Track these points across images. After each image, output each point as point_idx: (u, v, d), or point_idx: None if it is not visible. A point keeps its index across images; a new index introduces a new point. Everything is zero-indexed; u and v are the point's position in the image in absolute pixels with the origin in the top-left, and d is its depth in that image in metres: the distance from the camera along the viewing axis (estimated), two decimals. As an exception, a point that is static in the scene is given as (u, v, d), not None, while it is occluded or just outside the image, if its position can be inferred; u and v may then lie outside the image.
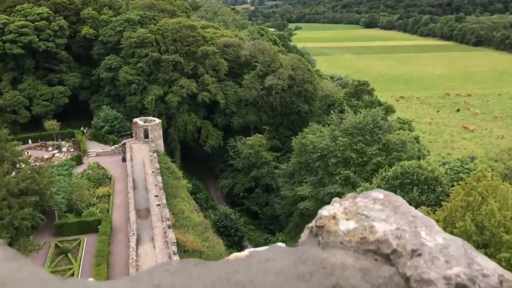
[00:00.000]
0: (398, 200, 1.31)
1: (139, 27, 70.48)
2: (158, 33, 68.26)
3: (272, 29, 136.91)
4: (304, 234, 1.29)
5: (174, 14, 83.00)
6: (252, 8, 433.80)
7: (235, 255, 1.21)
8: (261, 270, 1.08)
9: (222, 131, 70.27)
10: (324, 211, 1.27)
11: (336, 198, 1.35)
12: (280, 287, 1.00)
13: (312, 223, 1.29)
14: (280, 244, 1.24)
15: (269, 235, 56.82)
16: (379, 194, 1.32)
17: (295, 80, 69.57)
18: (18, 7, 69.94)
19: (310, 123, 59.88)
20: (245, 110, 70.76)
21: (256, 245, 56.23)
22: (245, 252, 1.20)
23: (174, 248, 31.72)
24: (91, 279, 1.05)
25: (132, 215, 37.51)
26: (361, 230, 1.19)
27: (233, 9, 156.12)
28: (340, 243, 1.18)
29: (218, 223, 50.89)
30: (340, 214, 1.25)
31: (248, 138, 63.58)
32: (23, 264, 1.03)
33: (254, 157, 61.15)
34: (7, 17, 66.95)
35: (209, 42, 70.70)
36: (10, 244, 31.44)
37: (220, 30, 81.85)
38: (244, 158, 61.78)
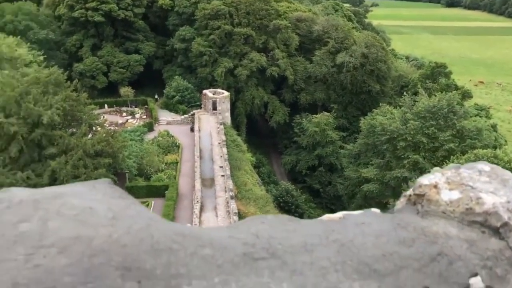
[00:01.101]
0: (506, 173, 1.22)
1: (214, -1, 70.95)
2: (231, 6, 68.47)
3: (347, 5, 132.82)
4: (401, 202, 1.24)
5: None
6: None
7: (328, 216, 1.20)
8: (358, 232, 1.04)
9: (289, 107, 70.02)
10: (424, 180, 1.21)
11: (437, 168, 1.28)
12: (382, 250, 0.99)
13: (410, 191, 1.23)
14: (374, 209, 1.20)
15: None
16: (485, 166, 1.23)
17: (368, 59, 67.54)
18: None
19: (380, 104, 58.11)
20: (313, 87, 69.93)
21: (316, 223, 56.14)
22: (339, 214, 1.18)
23: (236, 218, 32.42)
24: (188, 225, 1.08)
25: (198, 184, 38.65)
26: (466, 200, 1.11)
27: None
28: (442, 212, 1.12)
29: (279, 198, 51.28)
30: (442, 183, 1.18)
31: (314, 115, 62.93)
32: (131, 202, 1.06)
33: (320, 136, 60.57)
34: (90, -15, 69.76)
35: (282, 16, 70.02)
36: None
37: (293, 4, 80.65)
38: (309, 135, 61.38)
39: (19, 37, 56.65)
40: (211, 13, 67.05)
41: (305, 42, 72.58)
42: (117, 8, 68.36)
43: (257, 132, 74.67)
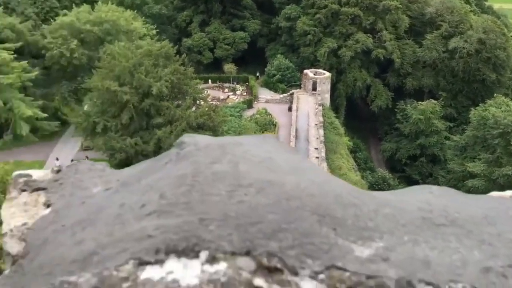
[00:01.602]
0: None
1: (322, -23, 69.42)
2: (340, -15, 66.58)
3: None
4: None
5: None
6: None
7: (497, 193, 1.19)
8: None
9: (393, 92, 67.12)
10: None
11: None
12: None
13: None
14: None
15: (427, 207, 53.78)
16: None
17: (485, 45, 62.26)
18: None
19: (495, 95, 53.55)
20: (421, 72, 66.24)
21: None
22: (509, 193, 1.18)
23: (328, 202, 32.12)
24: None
25: (292, 163, 38.70)
26: None
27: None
28: None
29: (374, 185, 49.78)
30: None
31: (420, 102, 59.72)
32: (302, 157, 1.17)
33: (424, 124, 57.46)
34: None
35: (393, -3, 66.72)
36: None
37: (406, -16, 76.36)
38: (412, 123, 58.49)
39: (135, 11, 60.13)
40: (319, -8, 65.78)
41: (416, 25, 68.66)
42: (227, -15, 69.67)
43: (356, 116, 72.72)
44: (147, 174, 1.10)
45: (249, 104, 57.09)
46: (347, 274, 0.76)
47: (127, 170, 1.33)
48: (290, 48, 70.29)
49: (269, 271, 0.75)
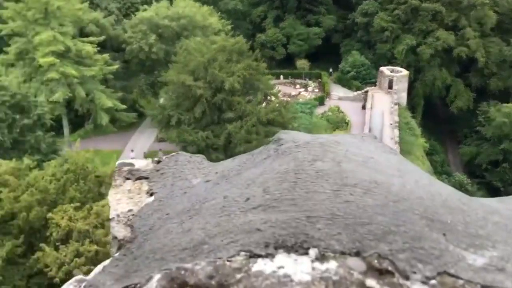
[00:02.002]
0: None
1: (403, -29, 66.81)
2: (422, -21, 63.69)
3: None
4: None
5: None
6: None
7: None
8: None
9: (474, 92, 63.32)
10: None
11: None
12: None
13: None
14: None
15: (509, 217, 50.25)
16: None
17: None
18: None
19: None
20: (507, 72, 61.87)
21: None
22: None
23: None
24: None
25: (363, 163, 37.60)
26: None
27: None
28: None
29: (451, 190, 47.24)
30: None
31: (505, 104, 55.81)
32: (402, 158, 1.17)
33: (509, 128, 53.62)
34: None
35: (480, -9, 62.75)
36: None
37: (495, -23, 71.60)
38: (495, 126, 54.78)
39: (211, 6, 61.19)
40: (399, -13, 63.35)
41: (504, 21, 64.14)
42: (304, -20, 68.99)
43: (434, 116, 69.40)
44: (246, 168, 1.14)
45: (321, 101, 56.23)
46: (461, 282, 0.74)
47: (224, 164, 1.36)
48: (366, 45, 68.39)
49: (380, 273, 0.74)
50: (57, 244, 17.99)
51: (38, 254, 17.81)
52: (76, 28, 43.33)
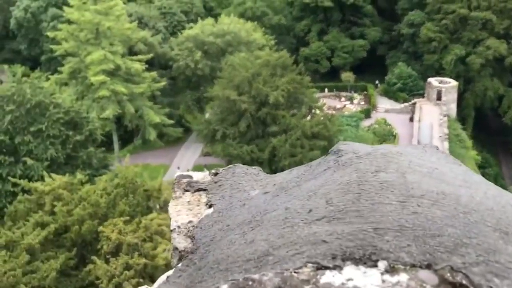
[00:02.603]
0: None
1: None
2: (471, -13, 62.03)
3: None
4: None
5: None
6: None
7: None
8: None
9: (530, 103, 60.59)
10: None
11: None
12: None
13: None
14: None
15: None
16: None
17: None
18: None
19: None
20: None
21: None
22: None
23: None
24: None
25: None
26: None
27: None
28: None
29: (506, 205, 45.16)
30: None
31: None
32: (467, 169, 1.14)
33: None
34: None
35: (533, -2, 60.37)
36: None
37: (549, -17, 68.70)
38: (553, 137, 52.11)
39: (255, 22, 61.92)
40: (446, -4, 61.93)
41: (561, 27, 61.28)
42: (347, -7, 68.71)
43: (485, 128, 66.83)
44: (305, 180, 1.14)
45: (367, 114, 55.41)
46: None
47: (281, 175, 1.37)
48: (413, 56, 67.05)
49: (453, 287, 0.73)
50: (107, 256, 18.49)
51: (90, 266, 18.35)
52: (125, 47, 44.92)
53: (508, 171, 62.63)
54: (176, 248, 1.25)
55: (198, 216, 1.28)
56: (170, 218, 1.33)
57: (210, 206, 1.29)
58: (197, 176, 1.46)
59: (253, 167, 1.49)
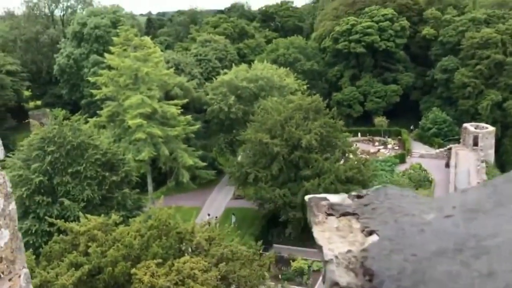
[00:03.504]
0: None
1: (484, 26, 65.29)
2: (506, 33, 61.70)
3: None
4: None
5: (529, 11, 73.18)
6: None
7: None
8: None
9: None
10: None
11: None
12: None
13: None
14: None
15: None
16: None
17: None
18: (366, 9, 75.20)
19: None
20: None
21: None
22: None
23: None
24: None
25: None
26: None
27: None
28: None
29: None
30: None
31: None
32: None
33: None
34: (355, 18, 72.96)
35: None
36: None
37: None
38: None
39: (288, 68, 62.96)
40: (480, 42, 61.69)
41: None
42: (379, 39, 69.44)
43: (526, 175, 64.57)
44: (507, 200, 1.03)
45: (401, 159, 54.58)
46: None
47: (453, 197, 1.23)
48: (447, 101, 66.39)
49: None
50: (139, 299, 18.33)
51: (122, 308, 18.22)
52: (162, 92, 46.24)
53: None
54: (335, 283, 1.10)
55: (356, 244, 1.14)
56: (321, 246, 1.20)
57: (369, 233, 1.15)
58: (333, 199, 1.34)
59: (405, 188, 1.37)
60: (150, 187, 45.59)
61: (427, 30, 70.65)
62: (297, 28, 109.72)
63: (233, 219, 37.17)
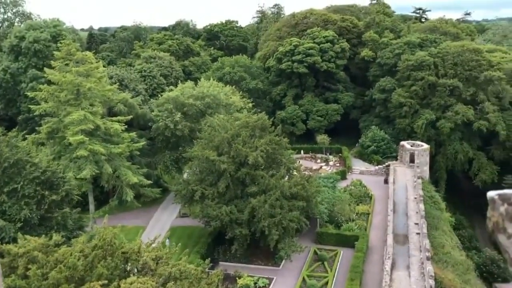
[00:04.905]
0: None
1: (419, 49, 69.27)
2: (437, 56, 65.74)
3: None
4: None
5: (457, 37, 78.56)
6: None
7: None
8: None
9: (498, 165, 62.68)
10: None
11: None
12: None
13: None
14: None
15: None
16: None
17: None
18: (308, 30, 77.65)
19: None
20: (530, 145, 61.47)
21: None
22: None
23: (432, 282, 29.57)
24: None
25: (390, 239, 36.73)
26: None
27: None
28: None
29: (482, 267, 45.37)
30: None
31: (531, 177, 54.92)
32: None
33: (537, 201, 52.18)
34: (298, 40, 75.08)
35: (495, 67, 64.17)
36: (277, 242, 34.78)
37: (509, 54, 73.45)
38: (523, 199, 53.38)
39: (233, 86, 63.55)
40: (415, 64, 65.32)
41: (523, 95, 64.80)
42: (321, 60, 71.79)
43: (458, 190, 68.37)
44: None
45: (342, 175, 56.25)
46: None
47: None
48: (385, 120, 69.43)
49: None
50: (83, 323, 17.64)
51: (64, 333, 17.43)
52: (105, 108, 45.17)
53: (482, 232, 63.44)
54: None
55: None
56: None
57: None
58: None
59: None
60: (91, 206, 44.11)
61: (365, 52, 73.88)
62: (242, 47, 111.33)
63: (167, 242, 35.98)
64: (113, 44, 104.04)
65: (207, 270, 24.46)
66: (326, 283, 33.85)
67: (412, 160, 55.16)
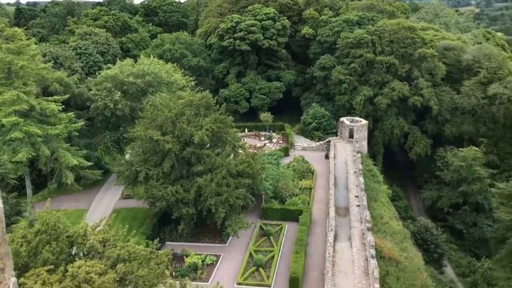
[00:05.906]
0: None
1: (357, 27, 70.92)
2: (374, 34, 67.63)
3: (500, 34, 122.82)
4: None
5: (393, 15, 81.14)
6: (477, 10, 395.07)
7: None
8: None
9: (431, 139, 66.19)
10: None
11: None
12: None
13: None
14: None
15: (473, 258, 51.37)
16: None
17: (526, 91, 61.11)
18: (249, 7, 77.18)
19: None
20: (460, 119, 65.29)
21: (457, 267, 51.44)
22: None
23: (373, 251, 31.04)
24: None
25: (332, 211, 38.02)
26: None
27: (456, 11, 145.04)
28: None
29: (417, 234, 48.15)
30: None
31: (460, 149, 58.46)
32: None
33: (466, 171, 55.93)
34: (239, 16, 74.51)
35: (428, 45, 67.09)
36: (224, 220, 35.06)
37: (440, 32, 76.99)
38: (453, 170, 57.03)
39: (175, 63, 62.32)
40: (353, 42, 66.89)
41: (453, 72, 68.42)
42: (263, 37, 71.79)
43: (394, 164, 71.65)
44: None
45: (285, 152, 57.22)
46: None
47: None
48: (325, 97, 70.92)
49: None
50: (30, 310, 17.09)
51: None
52: (40, 87, 42.98)
53: (416, 202, 67.19)
54: None
55: None
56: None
57: None
58: None
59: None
60: (29, 190, 42.21)
61: (306, 30, 74.66)
62: (182, 23, 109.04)
63: None
64: (44, 20, 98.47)
65: (155, 250, 24.31)
66: (273, 257, 34.69)
67: (351, 136, 56.97)
